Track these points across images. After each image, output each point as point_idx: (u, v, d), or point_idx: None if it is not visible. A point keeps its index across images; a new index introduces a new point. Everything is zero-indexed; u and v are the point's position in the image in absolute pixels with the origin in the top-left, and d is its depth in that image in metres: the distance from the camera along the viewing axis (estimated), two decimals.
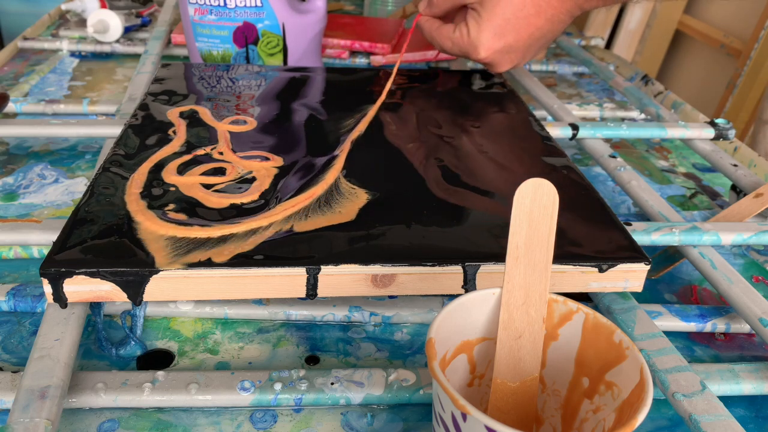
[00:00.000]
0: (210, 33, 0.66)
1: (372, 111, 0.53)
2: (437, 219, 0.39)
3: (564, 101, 0.71)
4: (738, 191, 0.53)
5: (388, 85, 0.58)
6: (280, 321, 0.38)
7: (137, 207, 0.37)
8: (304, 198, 0.40)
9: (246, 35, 0.66)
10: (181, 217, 0.37)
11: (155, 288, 0.33)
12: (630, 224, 0.43)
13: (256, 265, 0.33)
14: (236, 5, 0.64)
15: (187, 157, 0.44)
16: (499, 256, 0.35)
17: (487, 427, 0.22)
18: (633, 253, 0.37)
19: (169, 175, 0.41)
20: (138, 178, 0.41)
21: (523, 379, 0.29)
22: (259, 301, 0.38)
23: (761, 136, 0.94)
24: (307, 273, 0.34)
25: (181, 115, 0.50)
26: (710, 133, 0.58)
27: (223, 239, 0.35)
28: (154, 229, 0.36)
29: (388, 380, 0.32)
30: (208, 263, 0.33)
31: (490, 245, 0.36)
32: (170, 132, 0.47)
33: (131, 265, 0.33)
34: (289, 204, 0.39)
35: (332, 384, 0.32)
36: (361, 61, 0.81)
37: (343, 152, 0.46)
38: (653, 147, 0.66)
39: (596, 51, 0.93)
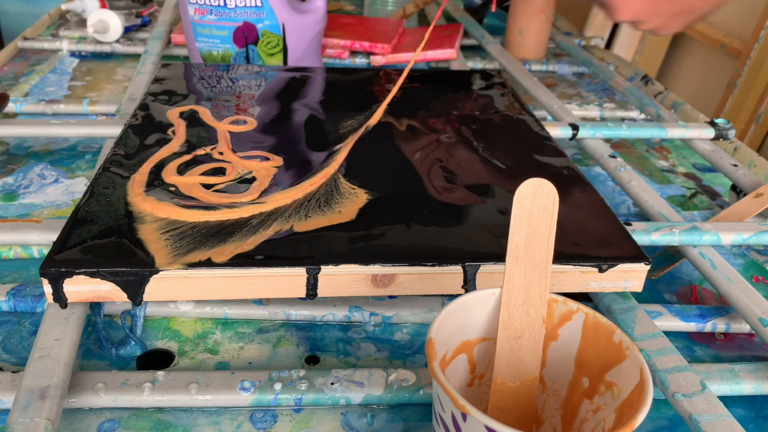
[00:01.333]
0: (210, 33, 0.66)
1: (379, 111, 0.53)
2: (437, 219, 0.39)
3: (564, 101, 0.71)
4: (738, 191, 0.53)
5: (399, 83, 0.58)
6: (280, 321, 0.38)
7: (150, 205, 0.38)
8: (309, 184, 0.41)
9: (246, 35, 0.66)
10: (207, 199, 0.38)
11: (155, 288, 0.33)
12: (630, 224, 0.43)
13: (256, 265, 0.33)
14: (236, 5, 0.64)
15: (187, 157, 0.44)
16: (499, 256, 0.35)
17: (487, 427, 0.22)
18: (633, 253, 0.37)
19: (169, 175, 0.41)
20: (139, 179, 0.41)
21: (523, 379, 0.29)
22: (259, 301, 0.38)
23: None
24: (307, 273, 0.34)
25: (181, 115, 0.50)
26: (710, 133, 0.58)
27: (223, 239, 0.35)
28: (184, 218, 0.36)
29: (388, 380, 0.32)
30: (208, 263, 0.33)
31: (490, 245, 0.36)
32: (169, 132, 0.47)
33: (131, 265, 0.33)
34: (301, 188, 0.40)
35: (332, 384, 0.32)
36: (361, 61, 0.81)
37: (344, 150, 0.46)
38: (653, 147, 0.66)
39: (596, 51, 0.93)
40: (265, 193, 0.40)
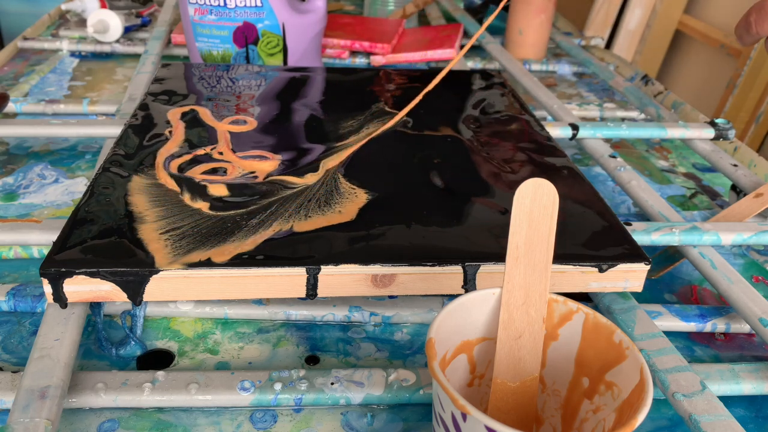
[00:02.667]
0: (210, 33, 0.66)
1: (400, 115, 0.53)
2: (437, 219, 0.39)
3: (564, 101, 0.71)
4: (738, 191, 0.53)
5: (431, 85, 0.58)
6: (280, 321, 0.38)
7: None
8: (351, 149, 0.45)
9: (246, 35, 0.66)
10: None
11: (155, 288, 0.33)
12: (630, 224, 0.43)
13: (256, 265, 0.33)
14: (236, 5, 0.64)
15: (187, 157, 0.44)
16: (499, 256, 0.35)
17: (487, 427, 0.22)
18: (633, 253, 0.37)
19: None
20: (165, 174, 0.41)
21: (523, 379, 0.29)
22: (259, 301, 0.38)
23: None
24: (307, 273, 0.34)
25: (183, 117, 0.50)
26: (710, 133, 0.58)
27: (223, 239, 0.35)
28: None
29: (388, 380, 0.32)
30: (208, 263, 0.33)
31: (490, 245, 0.36)
32: (166, 132, 0.47)
33: (131, 265, 0.33)
34: (345, 152, 0.44)
35: (332, 384, 0.32)
36: (361, 61, 0.81)
37: (350, 148, 0.46)
38: (653, 147, 0.66)
39: (596, 51, 0.93)
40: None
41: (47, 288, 0.32)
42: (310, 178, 0.42)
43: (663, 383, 0.32)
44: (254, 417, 0.32)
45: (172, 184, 0.40)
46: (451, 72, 0.66)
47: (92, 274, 0.32)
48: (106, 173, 0.41)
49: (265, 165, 0.44)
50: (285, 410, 0.32)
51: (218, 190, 0.40)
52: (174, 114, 0.51)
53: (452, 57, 0.79)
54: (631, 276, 0.36)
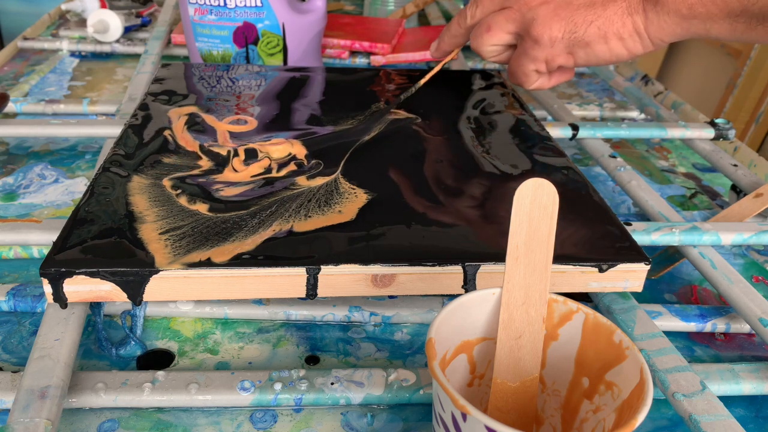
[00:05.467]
0: (210, 33, 0.66)
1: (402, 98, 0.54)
2: (437, 219, 0.39)
3: (564, 101, 0.71)
4: (738, 191, 0.53)
5: (423, 80, 0.58)
6: (280, 321, 0.38)
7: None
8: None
9: (246, 35, 0.66)
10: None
11: (155, 288, 0.33)
12: (630, 224, 0.43)
13: (256, 265, 0.33)
14: (236, 5, 0.64)
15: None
16: (499, 256, 0.35)
17: (487, 427, 0.22)
18: (633, 253, 0.37)
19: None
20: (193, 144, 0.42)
21: (523, 379, 0.29)
22: (259, 301, 0.38)
23: None
24: (307, 273, 0.34)
25: (184, 123, 0.50)
26: (710, 133, 0.58)
27: (223, 239, 0.35)
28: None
29: (388, 380, 0.32)
30: (208, 263, 0.33)
31: (490, 245, 0.36)
32: (166, 134, 0.47)
33: (131, 265, 0.33)
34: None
35: (332, 384, 0.32)
36: (361, 61, 0.81)
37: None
38: (653, 147, 0.66)
39: None
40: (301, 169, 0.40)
41: (47, 288, 0.33)
42: (319, 180, 0.42)
43: (663, 383, 0.32)
44: (254, 417, 0.32)
45: (193, 146, 0.45)
46: (451, 72, 0.66)
47: (92, 274, 0.32)
48: (106, 173, 0.41)
49: (279, 148, 0.44)
50: (285, 410, 0.32)
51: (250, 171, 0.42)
52: (174, 114, 0.51)
53: (453, 57, 0.79)
54: (631, 276, 0.36)
